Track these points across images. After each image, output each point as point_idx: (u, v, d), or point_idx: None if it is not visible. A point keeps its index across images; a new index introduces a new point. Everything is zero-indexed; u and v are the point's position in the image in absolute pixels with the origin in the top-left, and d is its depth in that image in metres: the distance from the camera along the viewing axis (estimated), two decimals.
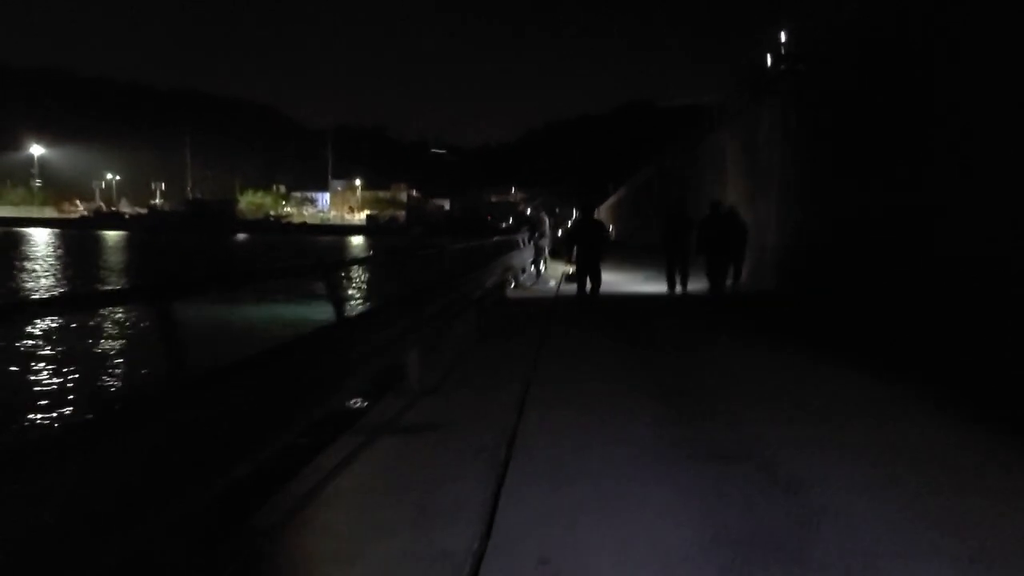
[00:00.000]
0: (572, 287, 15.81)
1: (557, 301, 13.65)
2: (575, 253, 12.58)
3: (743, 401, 5.54)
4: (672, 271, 13.90)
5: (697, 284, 13.72)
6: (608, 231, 14.21)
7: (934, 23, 9.08)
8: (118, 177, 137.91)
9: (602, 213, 57.15)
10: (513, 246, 17.05)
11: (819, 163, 12.88)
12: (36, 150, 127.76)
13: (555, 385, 6.18)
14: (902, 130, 9.74)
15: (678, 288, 13.82)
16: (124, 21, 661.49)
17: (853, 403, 5.51)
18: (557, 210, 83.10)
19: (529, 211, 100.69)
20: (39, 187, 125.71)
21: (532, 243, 17.58)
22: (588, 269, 12.40)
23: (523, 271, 17.53)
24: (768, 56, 16.58)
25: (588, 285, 12.43)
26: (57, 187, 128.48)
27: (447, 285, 7.92)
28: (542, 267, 18.15)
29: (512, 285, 15.61)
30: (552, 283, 17.04)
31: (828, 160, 12.49)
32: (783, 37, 16.70)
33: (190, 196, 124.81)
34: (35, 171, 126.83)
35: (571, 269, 18.19)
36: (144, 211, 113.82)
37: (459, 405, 5.62)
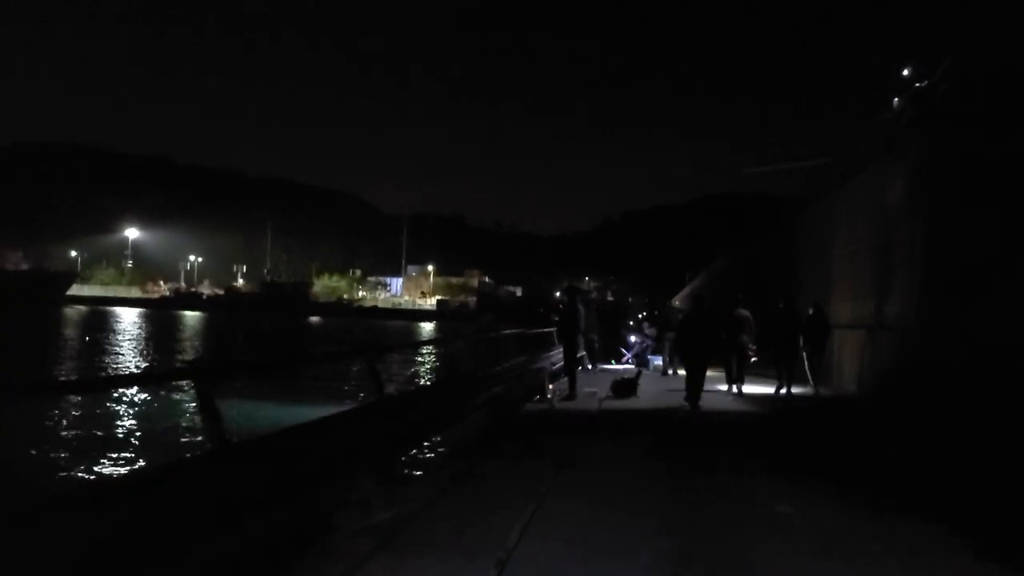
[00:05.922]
0: (619, 403, 11.63)
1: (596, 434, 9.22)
2: (686, 356, 11.37)
3: None
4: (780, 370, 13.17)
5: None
6: (718, 326, 12.11)
7: None
8: (201, 259, 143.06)
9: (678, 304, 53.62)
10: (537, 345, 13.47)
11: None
12: (131, 233, 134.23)
13: None
14: None
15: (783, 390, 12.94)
16: (223, 113, 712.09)
17: None
18: (630, 299, 79.25)
19: (558, 295, 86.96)
20: (130, 268, 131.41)
21: (564, 341, 12.53)
22: (700, 375, 11.01)
23: (551, 380, 13.04)
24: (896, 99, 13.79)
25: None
26: (147, 268, 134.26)
27: None
28: (589, 366, 13.93)
29: (536, 398, 11.95)
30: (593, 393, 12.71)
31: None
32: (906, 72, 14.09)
33: (267, 279, 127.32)
34: (128, 253, 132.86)
35: (623, 375, 13.66)
36: (222, 292, 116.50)
37: None
